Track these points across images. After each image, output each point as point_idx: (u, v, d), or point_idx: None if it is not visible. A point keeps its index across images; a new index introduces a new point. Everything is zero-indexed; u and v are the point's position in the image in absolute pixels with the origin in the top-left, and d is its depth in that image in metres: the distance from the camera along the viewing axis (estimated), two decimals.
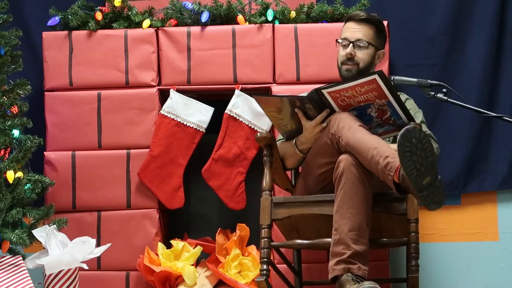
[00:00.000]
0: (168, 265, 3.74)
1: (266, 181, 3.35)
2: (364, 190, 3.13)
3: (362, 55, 3.53)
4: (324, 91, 3.25)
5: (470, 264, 4.01)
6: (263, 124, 3.87)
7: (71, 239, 3.53)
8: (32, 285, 3.30)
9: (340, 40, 3.57)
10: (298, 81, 3.91)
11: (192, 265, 3.77)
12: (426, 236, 4.00)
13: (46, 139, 3.91)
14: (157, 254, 3.79)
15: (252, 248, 3.80)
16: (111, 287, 3.83)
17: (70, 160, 3.90)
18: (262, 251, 3.29)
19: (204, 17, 3.94)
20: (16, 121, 3.59)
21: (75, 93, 3.96)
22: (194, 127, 3.91)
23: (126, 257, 3.83)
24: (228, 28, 3.95)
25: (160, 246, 3.80)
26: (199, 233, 3.97)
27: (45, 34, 3.99)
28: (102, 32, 3.97)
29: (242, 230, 3.80)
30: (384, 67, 3.88)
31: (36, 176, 3.62)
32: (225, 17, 3.97)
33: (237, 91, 3.90)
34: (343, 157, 3.17)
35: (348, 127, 3.18)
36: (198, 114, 3.91)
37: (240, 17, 3.95)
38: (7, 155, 3.58)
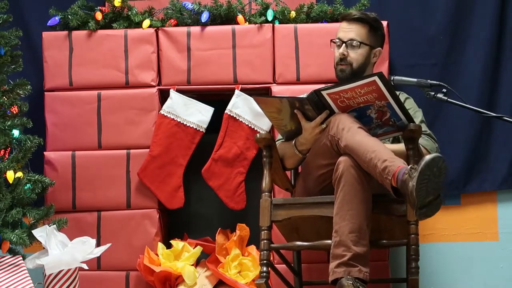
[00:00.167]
0: (168, 265, 3.74)
1: (265, 182, 3.34)
2: (363, 191, 3.13)
3: (355, 55, 3.52)
4: (324, 93, 3.25)
5: (470, 264, 4.01)
6: (263, 124, 3.87)
7: (71, 239, 3.53)
8: (32, 285, 3.30)
9: (334, 41, 3.57)
10: (298, 81, 3.91)
11: (192, 265, 3.77)
12: (426, 236, 4.00)
13: (46, 139, 3.91)
14: (157, 254, 3.79)
15: (252, 248, 3.80)
16: (111, 287, 3.83)
17: (70, 160, 3.90)
18: (262, 253, 3.28)
19: (204, 17, 3.94)
20: (16, 121, 3.59)
21: (75, 93, 3.96)
22: (194, 127, 3.91)
23: (126, 257, 3.82)
24: (228, 28, 3.95)
25: (160, 246, 3.80)
26: (199, 233, 3.97)
27: (45, 34, 3.99)
28: (102, 32, 3.97)
29: (242, 230, 3.80)
30: (384, 67, 3.88)
31: (36, 176, 3.62)
32: (225, 17, 3.97)
33: (237, 91, 3.90)
34: (342, 159, 3.17)
35: (348, 129, 3.18)
36: (198, 114, 3.91)
37: (240, 17, 3.95)
38: (7, 155, 3.58)
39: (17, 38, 3.69)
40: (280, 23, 3.96)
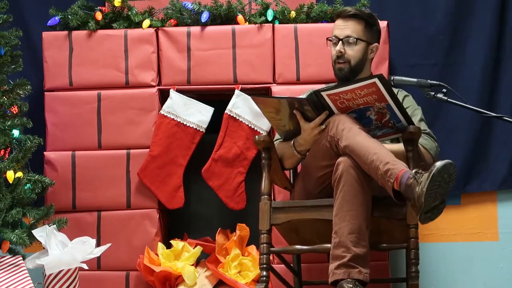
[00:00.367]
0: (168, 265, 3.74)
1: (264, 184, 3.34)
2: (363, 192, 3.13)
3: (352, 52, 3.52)
4: (323, 93, 3.24)
5: (470, 264, 4.00)
6: (263, 124, 3.87)
7: (71, 239, 3.53)
8: (32, 285, 3.30)
9: (330, 39, 3.57)
10: (298, 81, 3.91)
11: (192, 265, 3.77)
12: (426, 236, 4.00)
13: (46, 139, 3.91)
14: (157, 254, 3.79)
15: (252, 248, 3.80)
16: (111, 287, 3.83)
17: (70, 160, 3.90)
18: (262, 257, 3.28)
19: (204, 17, 3.93)
20: (16, 121, 3.59)
21: (75, 93, 3.96)
22: (194, 127, 3.91)
23: (126, 257, 3.82)
24: (228, 28, 3.95)
25: (160, 246, 3.80)
26: (199, 233, 3.97)
27: (45, 34, 3.99)
28: (102, 32, 3.97)
29: (242, 230, 3.80)
30: (384, 67, 3.88)
31: (36, 176, 3.62)
32: (225, 17, 3.97)
33: (237, 91, 3.90)
34: (342, 160, 3.16)
35: (348, 130, 3.17)
36: (198, 114, 3.91)
37: (240, 17, 3.95)
38: (7, 155, 3.58)
39: (17, 38, 3.69)
40: (280, 23, 3.96)
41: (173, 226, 4.07)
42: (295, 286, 3.63)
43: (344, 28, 3.52)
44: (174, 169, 3.90)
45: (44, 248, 3.49)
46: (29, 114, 3.74)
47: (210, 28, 3.96)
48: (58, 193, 3.85)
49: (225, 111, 3.90)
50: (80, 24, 3.97)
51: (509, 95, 4.00)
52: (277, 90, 3.89)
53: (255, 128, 3.89)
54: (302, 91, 3.67)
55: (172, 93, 3.91)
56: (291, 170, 3.64)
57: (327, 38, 3.59)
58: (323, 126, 3.29)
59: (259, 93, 3.89)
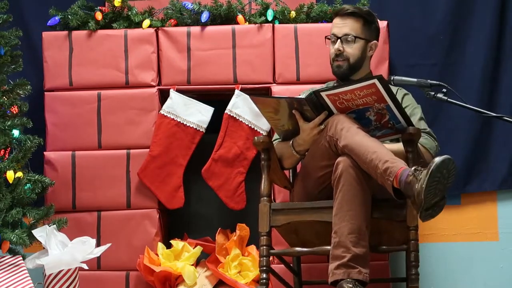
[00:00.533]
0: (168, 265, 3.74)
1: (264, 186, 3.33)
2: (363, 192, 3.13)
3: (351, 50, 3.52)
4: (323, 94, 3.24)
5: (470, 264, 4.00)
6: (263, 124, 3.87)
7: (71, 239, 3.53)
8: (32, 285, 3.30)
9: (329, 37, 3.57)
10: (298, 81, 3.91)
11: (192, 265, 3.77)
12: (426, 236, 4.00)
13: (46, 139, 3.91)
14: (157, 254, 3.79)
15: (252, 248, 3.80)
16: (111, 287, 3.83)
17: (70, 160, 3.90)
18: (262, 259, 3.28)
19: (204, 17, 3.93)
20: (16, 121, 3.59)
21: (75, 93, 3.96)
22: (194, 127, 3.91)
23: (126, 257, 3.82)
24: (228, 28, 3.95)
25: (160, 246, 3.80)
26: (199, 233, 3.97)
27: (45, 34, 3.99)
28: (102, 32, 3.97)
29: (242, 230, 3.80)
30: (384, 67, 3.88)
31: (36, 176, 3.62)
32: (225, 17, 3.97)
33: (237, 91, 3.90)
34: (341, 159, 3.16)
35: (347, 129, 3.17)
36: (198, 114, 3.91)
37: (240, 17, 3.95)
38: (7, 155, 3.58)
39: (17, 38, 3.69)
40: (280, 23, 3.96)
41: (173, 226, 4.07)
42: (295, 286, 3.63)
43: (343, 26, 3.52)
44: (174, 169, 3.90)
45: (44, 248, 3.49)
46: (29, 114, 3.74)
47: (210, 28, 3.96)
48: (58, 193, 3.85)
49: (225, 111, 3.90)
50: (80, 24, 3.97)
51: (509, 95, 4.00)
52: (277, 90, 3.89)
53: (255, 128, 3.89)
54: (302, 91, 3.67)
55: (172, 93, 3.91)
56: (290, 170, 3.64)
57: (325, 37, 3.59)
58: (322, 126, 3.28)
59: (259, 93, 3.89)
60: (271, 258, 3.42)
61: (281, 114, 3.35)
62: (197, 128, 3.91)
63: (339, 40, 3.52)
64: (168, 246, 3.84)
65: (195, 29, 3.96)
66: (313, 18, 3.97)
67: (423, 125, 3.48)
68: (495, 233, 4.02)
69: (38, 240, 3.46)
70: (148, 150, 3.88)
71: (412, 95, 3.66)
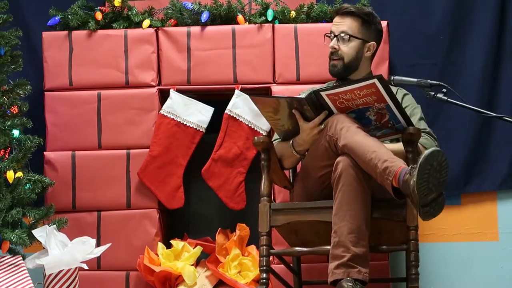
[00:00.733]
0: (168, 265, 3.74)
1: (264, 186, 3.33)
2: (362, 191, 3.13)
3: (345, 49, 3.52)
4: (323, 93, 3.24)
5: (470, 264, 4.00)
6: (263, 124, 3.87)
7: (71, 239, 3.53)
8: (32, 285, 3.31)
9: (328, 35, 3.58)
10: (298, 81, 3.91)
11: (192, 265, 3.77)
12: (426, 236, 4.00)
13: (46, 139, 3.91)
14: (157, 254, 3.79)
15: (252, 248, 3.80)
16: (111, 287, 3.83)
17: (70, 160, 3.90)
18: (262, 259, 3.27)
19: (204, 17, 3.94)
20: (16, 121, 3.59)
21: (75, 93, 3.96)
22: (194, 127, 3.91)
23: (126, 257, 3.82)
24: (228, 28, 3.95)
25: (160, 246, 3.80)
26: (199, 233, 3.97)
27: (45, 34, 3.99)
28: (102, 32, 3.97)
29: (242, 230, 3.80)
30: (384, 67, 3.88)
31: (36, 176, 3.62)
32: (225, 17, 3.97)
33: (237, 91, 3.90)
34: (341, 159, 3.16)
35: (346, 129, 3.17)
36: (198, 114, 3.91)
37: (240, 17, 3.95)
38: (7, 155, 3.58)
39: (17, 38, 3.69)
40: (280, 23, 3.96)
41: (173, 226, 4.07)
42: (295, 286, 3.63)
43: (340, 24, 3.53)
44: (174, 169, 3.90)
45: (44, 248, 3.49)
46: (29, 114, 3.74)
47: (210, 28, 3.96)
48: (58, 193, 3.85)
49: (225, 111, 3.90)
50: (80, 24, 3.97)
51: (509, 95, 4.00)
52: (277, 90, 3.89)
53: (255, 128, 3.89)
54: (302, 91, 3.67)
55: (172, 93, 3.91)
56: (290, 170, 3.64)
57: (325, 34, 3.60)
58: (322, 126, 3.28)
59: (259, 93, 3.89)
60: (271, 258, 3.42)
61: (281, 114, 3.35)
62: (197, 128, 3.91)
63: (335, 38, 3.52)
64: (168, 246, 3.84)
65: (195, 29, 3.96)
66: (313, 18, 3.97)
67: (423, 125, 3.48)
68: (495, 233, 4.02)
69: (38, 240, 3.47)
70: (148, 150, 3.88)
71: (412, 95, 3.66)
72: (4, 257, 3.41)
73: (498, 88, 4.01)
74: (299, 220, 3.28)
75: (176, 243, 3.82)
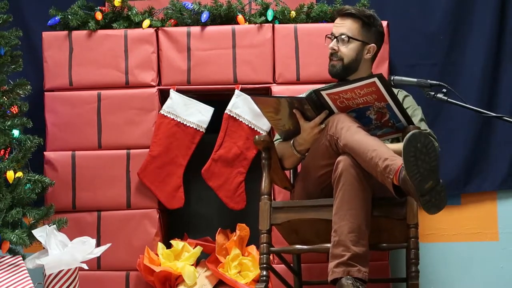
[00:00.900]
0: (168, 265, 3.74)
1: (264, 184, 3.34)
2: (363, 191, 3.13)
3: (345, 50, 3.52)
4: (323, 93, 3.24)
5: (470, 264, 4.00)
6: (263, 124, 3.87)
7: (71, 239, 3.53)
8: (32, 285, 3.30)
9: (329, 36, 3.58)
10: (298, 81, 3.91)
11: (192, 265, 3.77)
12: (426, 236, 4.00)
13: (46, 139, 3.91)
14: (157, 254, 3.79)
15: (252, 248, 3.80)
16: (111, 287, 3.83)
17: (70, 160, 3.90)
18: (262, 256, 3.28)
19: (204, 17, 3.94)
20: (16, 121, 3.59)
21: (75, 93, 3.96)
22: (194, 127, 3.91)
23: (126, 257, 3.82)
24: (228, 28, 3.95)
25: (160, 246, 3.80)
26: (199, 233, 3.97)
27: (45, 34, 3.99)
28: (102, 32, 3.97)
29: (242, 230, 3.80)
30: (384, 67, 3.88)
31: (36, 176, 3.62)
32: (225, 17, 3.97)
33: (237, 91, 3.90)
34: (341, 158, 3.16)
35: (347, 128, 3.17)
36: (198, 114, 3.91)
37: (240, 17, 3.95)
38: (7, 155, 3.58)
39: (17, 38, 3.69)
40: (280, 23, 3.96)
41: (173, 226, 4.07)
42: (295, 286, 3.63)
43: (340, 26, 3.53)
44: (174, 169, 3.90)
45: (44, 248, 3.49)
46: (29, 114, 3.74)
47: (210, 28, 3.97)
48: (58, 193, 3.85)
49: (225, 111, 3.90)
50: (80, 24, 3.97)
51: (509, 95, 4.00)
52: (277, 90, 3.89)
53: (255, 128, 3.89)
54: (302, 91, 3.67)
55: (172, 93, 3.91)
56: (291, 170, 3.64)
57: (326, 36, 3.60)
58: (322, 126, 3.29)
59: (259, 93, 3.89)
60: (271, 258, 3.42)
61: (281, 113, 3.36)
62: (197, 128, 3.91)
63: (335, 39, 3.53)
64: (168, 246, 3.84)
65: (195, 29, 3.96)
66: (313, 18, 3.98)
67: (423, 126, 3.48)
68: (495, 233, 4.02)
69: (38, 240, 3.46)
70: (148, 150, 3.88)
71: (412, 96, 3.66)
72: (4, 257, 3.41)
73: (498, 88, 4.01)
74: (299, 218, 3.29)
75: (176, 243, 3.82)
